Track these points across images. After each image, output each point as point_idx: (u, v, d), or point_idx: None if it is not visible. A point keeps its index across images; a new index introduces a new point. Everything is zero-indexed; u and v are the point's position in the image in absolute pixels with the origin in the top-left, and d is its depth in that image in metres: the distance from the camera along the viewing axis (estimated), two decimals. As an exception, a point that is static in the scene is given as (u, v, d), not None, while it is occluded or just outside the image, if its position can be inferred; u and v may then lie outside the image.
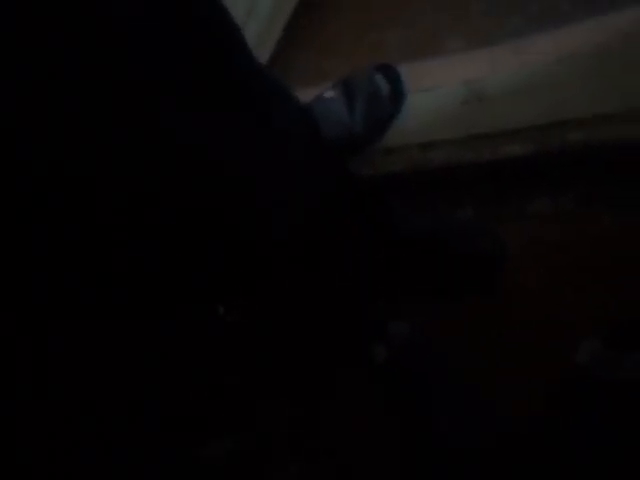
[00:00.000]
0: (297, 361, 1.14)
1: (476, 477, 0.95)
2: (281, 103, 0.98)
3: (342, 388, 1.13)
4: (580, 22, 1.14)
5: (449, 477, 0.97)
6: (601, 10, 1.13)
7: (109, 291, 0.82)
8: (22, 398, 0.85)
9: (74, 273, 0.78)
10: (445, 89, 1.19)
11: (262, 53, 1.39)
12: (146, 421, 1.00)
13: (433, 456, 1.00)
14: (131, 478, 0.96)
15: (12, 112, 0.63)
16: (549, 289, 1.09)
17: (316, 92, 1.25)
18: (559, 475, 0.90)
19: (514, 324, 1.07)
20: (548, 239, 1.12)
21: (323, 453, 1.10)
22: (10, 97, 0.62)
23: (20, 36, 0.60)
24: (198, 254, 0.85)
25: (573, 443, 0.91)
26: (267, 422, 1.13)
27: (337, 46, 1.39)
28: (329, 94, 1.25)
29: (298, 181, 0.94)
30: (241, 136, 0.83)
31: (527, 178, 1.17)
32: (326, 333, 1.12)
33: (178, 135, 0.74)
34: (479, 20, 1.30)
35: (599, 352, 0.98)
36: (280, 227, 0.92)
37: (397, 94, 1.23)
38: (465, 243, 1.12)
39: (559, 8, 1.25)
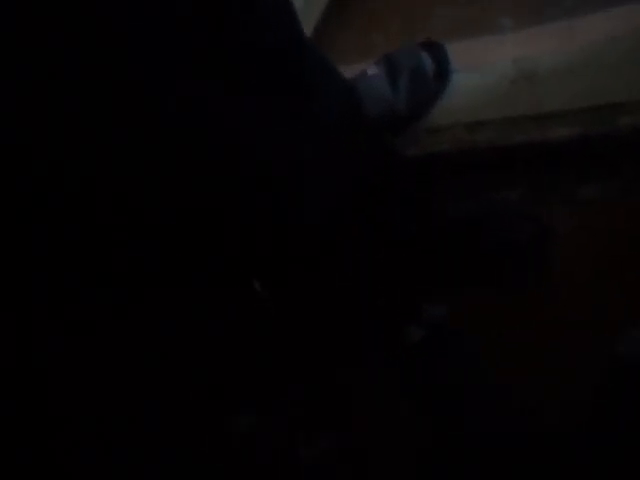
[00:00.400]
0: (323, 340, 1.13)
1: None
2: (326, 79, 0.97)
3: (371, 370, 1.12)
4: (635, 2, 1.11)
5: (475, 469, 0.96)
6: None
7: (110, 288, 0.82)
8: (22, 398, 0.86)
9: (74, 272, 0.78)
10: (493, 68, 1.17)
11: (304, 28, 1.37)
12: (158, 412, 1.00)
13: (462, 447, 0.99)
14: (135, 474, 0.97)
15: (12, 112, 0.63)
16: (594, 277, 1.06)
17: (359, 69, 1.23)
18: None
19: (557, 312, 1.05)
20: (595, 225, 1.09)
21: (355, 431, 1.10)
22: (10, 97, 0.62)
23: (20, 36, 0.60)
24: (210, 242, 0.85)
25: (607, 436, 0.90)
26: (295, 398, 1.12)
27: (382, 23, 1.37)
28: (372, 71, 1.23)
29: (330, 164, 0.93)
30: (263, 122, 0.82)
31: (575, 162, 1.14)
32: (350, 315, 1.12)
33: (180, 135, 0.73)
34: (529, -3, 1.27)
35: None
36: (310, 211, 0.91)
37: (442, 72, 1.21)
38: (502, 231, 1.10)
39: (613, -14, 1.21)
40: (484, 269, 1.10)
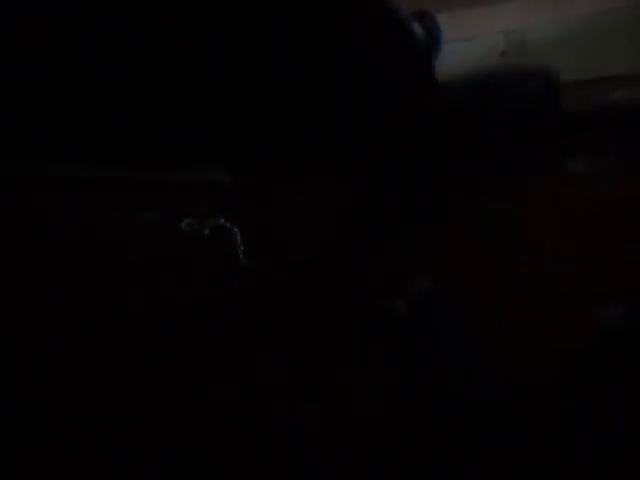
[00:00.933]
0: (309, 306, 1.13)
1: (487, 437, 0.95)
2: None
3: (356, 341, 1.12)
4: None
5: (459, 436, 0.97)
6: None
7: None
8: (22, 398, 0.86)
9: None
10: (484, 39, 1.15)
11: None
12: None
13: (445, 410, 0.99)
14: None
15: None
16: (575, 250, 1.06)
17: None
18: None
19: (541, 283, 1.05)
20: (580, 199, 1.09)
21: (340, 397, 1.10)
22: None
23: None
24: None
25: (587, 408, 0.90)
26: (279, 365, 1.12)
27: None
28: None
29: None
30: None
31: (563, 135, 1.13)
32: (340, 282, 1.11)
33: None
34: (523, -32, 1.25)
35: (625, 317, 0.96)
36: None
37: (433, 43, 1.20)
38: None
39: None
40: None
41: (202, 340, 1.05)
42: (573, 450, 0.87)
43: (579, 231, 1.07)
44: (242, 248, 1.06)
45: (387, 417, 1.02)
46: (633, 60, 1.02)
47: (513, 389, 0.96)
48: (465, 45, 1.16)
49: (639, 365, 0.92)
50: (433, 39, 1.20)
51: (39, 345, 0.86)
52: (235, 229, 1.07)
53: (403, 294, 1.09)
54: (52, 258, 0.94)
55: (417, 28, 1.20)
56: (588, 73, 1.07)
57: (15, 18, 0.71)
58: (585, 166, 1.10)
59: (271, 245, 1.08)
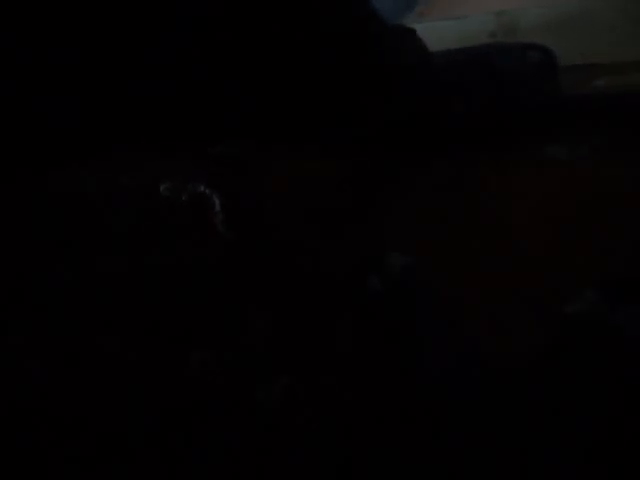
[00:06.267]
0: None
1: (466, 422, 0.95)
2: None
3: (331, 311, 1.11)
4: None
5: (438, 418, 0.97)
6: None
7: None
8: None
9: None
10: (473, 19, 1.14)
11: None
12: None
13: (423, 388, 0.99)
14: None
15: None
16: (555, 237, 1.07)
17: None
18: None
19: (513, 268, 1.05)
20: (560, 187, 1.10)
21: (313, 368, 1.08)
22: None
23: None
24: None
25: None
26: (252, 334, 1.11)
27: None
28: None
29: None
30: None
31: (544, 122, 1.13)
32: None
33: None
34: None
35: (595, 303, 0.97)
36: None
37: None
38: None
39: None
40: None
41: (178, 310, 1.02)
42: (543, 433, 0.88)
43: (557, 217, 1.07)
44: (222, 217, 1.03)
45: (363, 394, 1.02)
46: (628, 47, 1.03)
47: (493, 372, 0.97)
48: (455, 24, 1.15)
49: (605, 351, 0.93)
50: None
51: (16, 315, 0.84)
52: (215, 197, 1.05)
53: (381, 270, 1.08)
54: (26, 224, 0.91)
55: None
56: (575, 59, 1.07)
57: None
58: (567, 153, 1.11)
59: (251, 215, 1.06)
